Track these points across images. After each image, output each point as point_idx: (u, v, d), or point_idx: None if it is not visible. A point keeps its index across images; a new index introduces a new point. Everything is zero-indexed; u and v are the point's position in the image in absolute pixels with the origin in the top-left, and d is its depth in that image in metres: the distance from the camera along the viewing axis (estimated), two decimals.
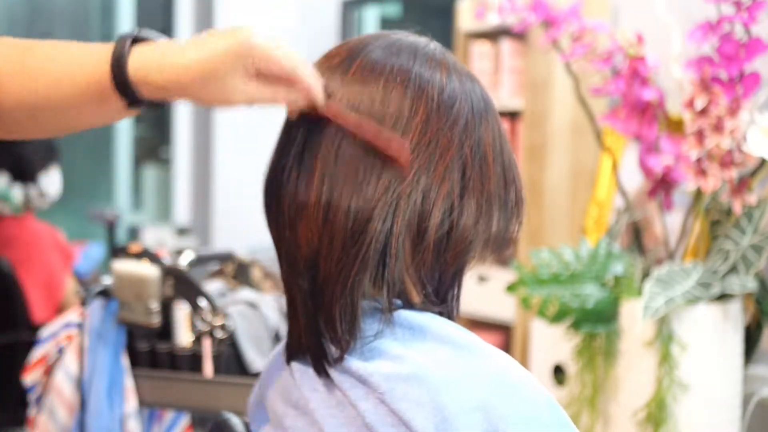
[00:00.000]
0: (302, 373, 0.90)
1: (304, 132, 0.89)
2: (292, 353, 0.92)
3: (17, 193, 3.16)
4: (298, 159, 0.88)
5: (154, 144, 5.13)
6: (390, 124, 0.86)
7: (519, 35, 2.76)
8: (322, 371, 0.88)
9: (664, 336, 1.73)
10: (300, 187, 0.88)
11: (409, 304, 0.89)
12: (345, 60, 0.90)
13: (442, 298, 0.92)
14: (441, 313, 0.91)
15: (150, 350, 2.15)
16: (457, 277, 0.93)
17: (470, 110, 0.89)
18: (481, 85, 0.93)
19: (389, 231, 0.85)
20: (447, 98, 0.88)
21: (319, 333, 0.88)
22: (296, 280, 0.89)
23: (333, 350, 0.87)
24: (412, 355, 0.85)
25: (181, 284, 2.15)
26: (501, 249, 0.93)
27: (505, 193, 0.91)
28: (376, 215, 0.85)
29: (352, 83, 0.88)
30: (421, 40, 0.93)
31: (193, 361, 2.12)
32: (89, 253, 3.65)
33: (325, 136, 0.87)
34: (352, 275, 0.86)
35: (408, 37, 0.93)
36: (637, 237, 1.97)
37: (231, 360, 2.14)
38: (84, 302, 2.23)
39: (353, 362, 0.86)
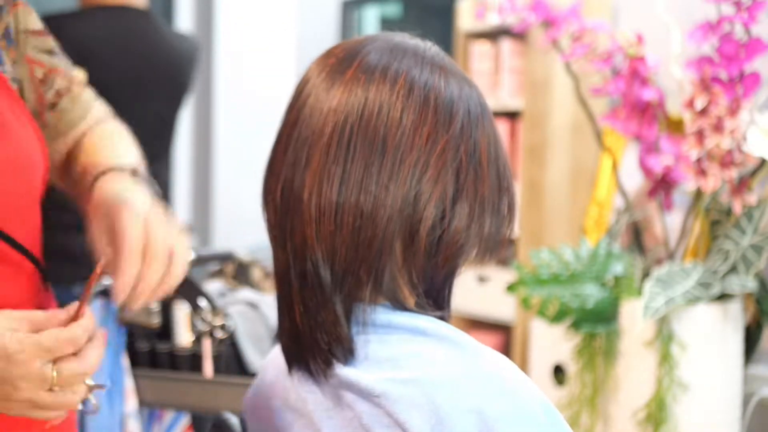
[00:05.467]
0: (300, 375, 0.90)
1: (298, 138, 0.88)
2: (290, 357, 0.91)
3: None
4: (294, 165, 0.88)
5: None
6: (393, 129, 0.86)
7: (519, 35, 2.75)
8: (318, 375, 0.88)
9: (664, 336, 1.73)
10: (298, 193, 0.87)
11: (403, 307, 0.89)
12: (342, 60, 0.90)
13: (434, 299, 0.92)
14: (437, 316, 0.91)
15: (150, 350, 2.15)
16: (448, 280, 0.93)
17: (467, 114, 0.89)
18: (478, 90, 0.93)
19: (383, 233, 0.85)
20: (446, 102, 0.88)
21: (314, 339, 0.87)
22: (291, 286, 0.89)
23: (327, 355, 0.87)
24: (407, 357, 0.85)
25: (181, 284, 2.14)
26: (492, 252, 0.93)
27: (499, 200, 0.91)
28: (377, 217, 0.85)
29: (349, 85, 0.88)
30: (421, 44, 0.92)
31: (193, 361, 2.12)
32: None
33: (319, 141, 0.87)
34: (351, 280, 0.86)
35: (409, 39, 0.92)
36: (637, 237, 1.97)
37: (231, 360, 2.14)
38: None
39: (349, 365, 0.86)
